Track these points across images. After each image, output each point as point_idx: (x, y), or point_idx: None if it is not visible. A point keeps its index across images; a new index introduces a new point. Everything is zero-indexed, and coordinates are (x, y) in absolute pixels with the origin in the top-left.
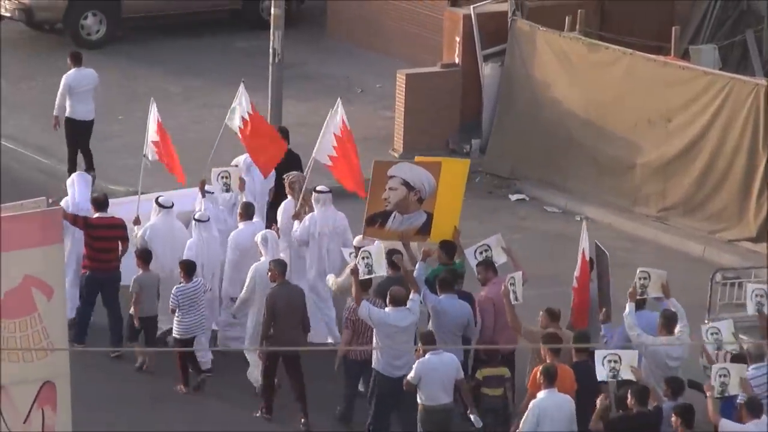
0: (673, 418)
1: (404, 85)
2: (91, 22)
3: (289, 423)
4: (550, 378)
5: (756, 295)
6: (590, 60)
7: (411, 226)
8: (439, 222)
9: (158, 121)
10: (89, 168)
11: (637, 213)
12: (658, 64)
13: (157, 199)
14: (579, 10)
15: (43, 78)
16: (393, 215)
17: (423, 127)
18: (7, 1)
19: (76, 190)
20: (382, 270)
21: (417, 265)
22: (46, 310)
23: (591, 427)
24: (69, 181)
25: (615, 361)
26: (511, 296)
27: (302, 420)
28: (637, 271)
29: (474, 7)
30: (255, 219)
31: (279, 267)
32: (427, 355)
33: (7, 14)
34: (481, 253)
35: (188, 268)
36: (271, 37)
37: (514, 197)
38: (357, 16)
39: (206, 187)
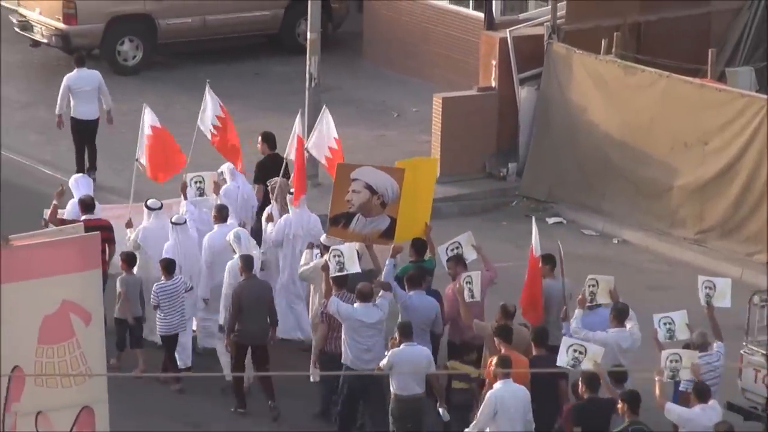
0: (620, 404)
1: (441, 109)
2: (128, 47)
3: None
4: (506, 368)
5: (705, 287)
6: (627, 83)
7: (374, 229)
8: (408, 220)
9: (152, 125)
10: (92, 166)
11: (674, 236)
12: (694, 87)
13: (145, 202)
14: (615, 33)
15: None
16: (356, 217)
17: (459, 151)
18: (44, 27)
19: (80, 193)
20: (355, 267)
21: (387, 262)
22: (84, 336)
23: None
24: (72, 183)
25: (580, 352)
26: (467, 294)
27: (270, 403)
28: (587, 279)
29: (510, 31)
30: (230, 221)
31: (245, 262)
32: (401, 346)
33: (44, 40)
34: (452, 250)
35: (168, 266)
36: (308, 62)
37: (551, 220)
38: (393, 40)
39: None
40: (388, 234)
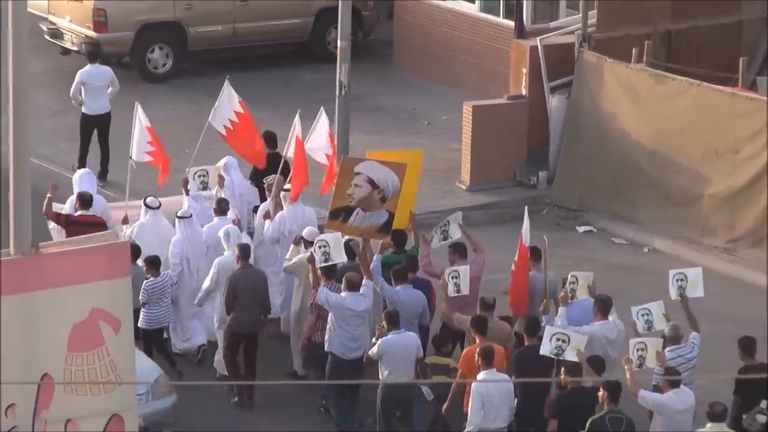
0: (600, 393)
1: (471, 117)
2: (158, 55)
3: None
4: (488, 358)
5: (677, 280)
6: (657, 91)
7: (372, 223)
8: (396, 210)
9: (147, 126)
10: (105, 161)
11: (704, 244)
12: (725, 96)
13: (144, 200)
14: (646, 42)
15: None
16: (356, 211)
17: (490, 159)
18: (74, 35)
19: (81, 189)
20: (340, 257)
21: (374, 257)
22: (114, 344)
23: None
24: (75, 178)
25: (563, 341)
26: (452, 288)
27: (248, 394)
28: (568, 276)
29: (541, 39)
30: (230, 215)
31: (241, 250)
32: (389, 334)
33: (75, 48)
34: (442, 227)
35: (153, 264)
36: (338, 70)
37: (581, 229)
38: (423, 48)
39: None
40: (386, 229)
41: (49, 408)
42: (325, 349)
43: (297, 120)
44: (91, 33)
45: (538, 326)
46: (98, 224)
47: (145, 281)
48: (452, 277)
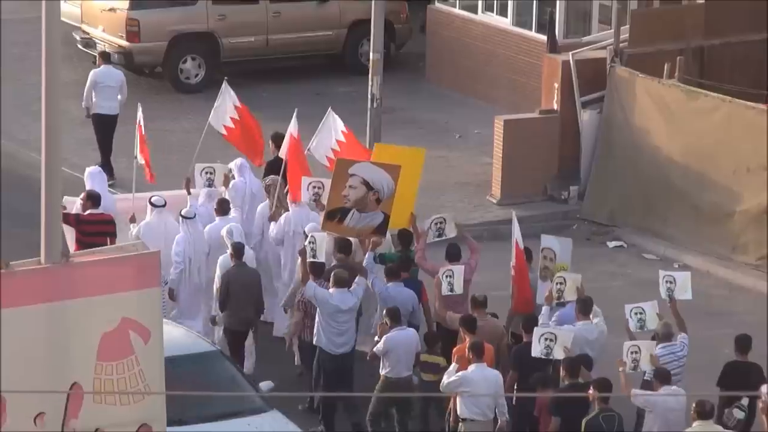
0: (591, 391)
1: (502, 131)
2: (191, 66)
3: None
4: (478, 352)
5: (666, 281)
6: (689, 107)
7: (368, 224)
8: (396, 209)
9: (140, 123)
10: (105, 162)
11: (736, 261)
12: (757, 112)
13: (150, 198)
14: (678, 57)
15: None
16: (352, 212)
17: (521, 174)
18: (107, 45)
19: (93, 187)
20: (321, 257)
21: (366, 255)
22: (143, 353)
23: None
24: (86, 175)
25: (551, 340)
26: (446, 287)
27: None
28: (555, 277)
29: (573, 54)
30: (232, 215)
31: (235, 249)
32: (392, 331)
33: None
34: (436, 224)
35: None
36: (370, 82)
37: (612, 244)
38: (455, 61)
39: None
40: (381, 230)
41: (78, 417)
42: (314, 342)
43: (293, 121)
44: (124, 42)
45: (534, 322)
46: (107, 222)
47: None
48: (446, 276)
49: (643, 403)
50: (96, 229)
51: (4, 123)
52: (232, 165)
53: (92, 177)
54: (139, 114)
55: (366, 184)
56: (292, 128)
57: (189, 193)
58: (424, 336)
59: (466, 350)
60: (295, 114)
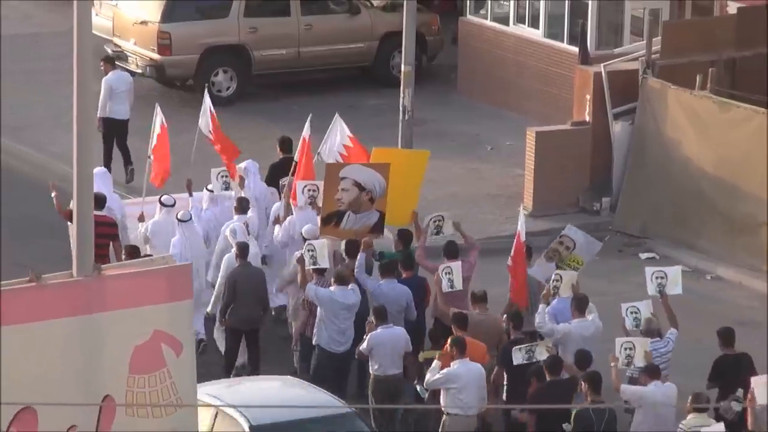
0: (582, 384)
1: (534, 143)
2: (222, 78)
3: None
4: (461, 348)
5: (656, 278)
6: (721, 118)
7: (364, 224)
8: (397, 207)
9: (162, 124)
10: (127, 163)
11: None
12: None
13: (160, 198)
14: (710, 69)
15: (171, 136)
16: (347, 214)
17: (553, 185)
18: (139, 58)
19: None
20: (325, 263)
21: (359, 255)
22: (175, 366)
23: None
24: None
25: (531, 348)
26: (446, 284)
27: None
28: (553, 275)
29: (605, 65)
30: (250, 214)
31: (240, 249)
32: (378, 329)
33: (139, 70)
34: (434, 221)
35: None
36: (401, 94)
37: (644, 256)
38: (487, 73)
39: (208, 186)
40: (378, 228)
41: (110, 430)
42: (313, 342)
43: (307, 125)
44: (156, 56)
45: (520, 319)
46: (109, 224)
47: None
48: (445, 273)
49: (631, 396)
50: (98, 231)
51: (36, 136)
52: (240, 166)
53: (97, 178)
54: (160, 116)
55: (358, 185)
56: (306, 132)
57: (191, 195)
58: (429, 332)
59: (448, 346)
60: (309, 119)
